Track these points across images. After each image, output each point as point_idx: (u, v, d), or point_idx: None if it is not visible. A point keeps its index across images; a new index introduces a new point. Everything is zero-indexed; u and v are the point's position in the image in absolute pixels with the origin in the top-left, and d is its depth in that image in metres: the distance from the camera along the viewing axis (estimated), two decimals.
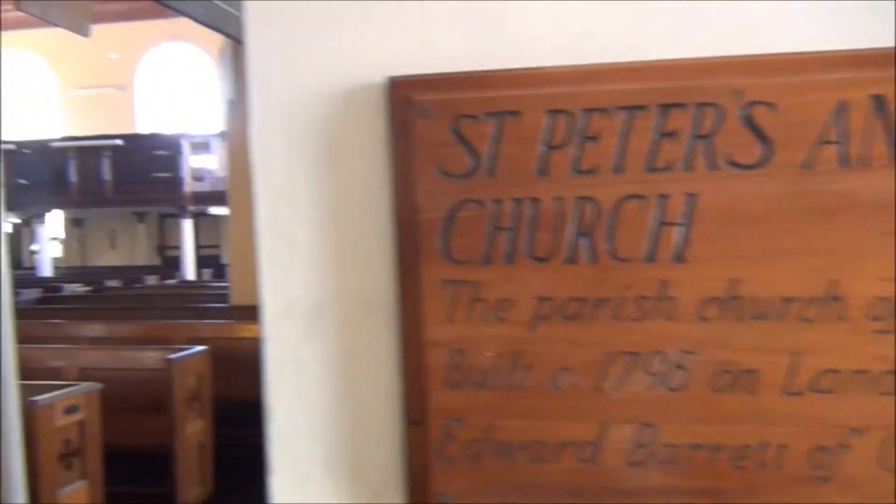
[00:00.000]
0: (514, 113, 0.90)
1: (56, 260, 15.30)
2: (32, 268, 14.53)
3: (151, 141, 14.47)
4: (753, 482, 0.88)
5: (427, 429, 0.93)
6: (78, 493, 3.70)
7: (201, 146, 14.22)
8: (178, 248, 15.12)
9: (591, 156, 0.89)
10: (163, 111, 17.05)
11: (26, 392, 3.36)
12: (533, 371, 0.91)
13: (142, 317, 7.28)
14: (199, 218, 14.98)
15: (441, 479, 0.93)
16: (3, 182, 3.25)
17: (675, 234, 0.88)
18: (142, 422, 4.72)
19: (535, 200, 0.90)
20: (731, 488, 0.89)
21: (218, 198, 13.20)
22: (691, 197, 0.88)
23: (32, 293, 9.74)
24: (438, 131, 0.91)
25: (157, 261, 16.75)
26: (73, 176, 14.10)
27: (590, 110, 0.89)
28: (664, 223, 0.88)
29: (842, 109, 0.85)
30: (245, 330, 6.05)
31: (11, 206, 3.31)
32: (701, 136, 0.87)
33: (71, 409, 3.72)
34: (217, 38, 8.15)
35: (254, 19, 0.99)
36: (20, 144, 13.50)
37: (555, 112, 0.89)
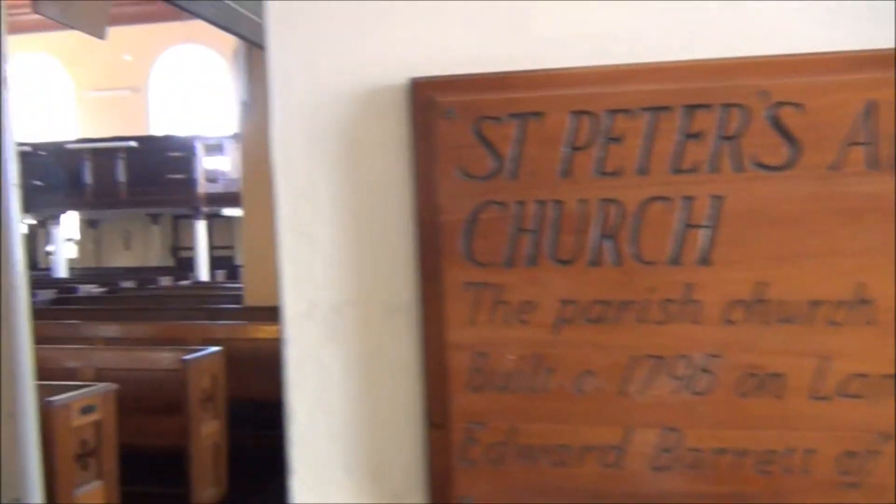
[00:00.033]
0: (537, 114, 0.89)
1: (71, 261, 15.41)
2: (48, 269, 14.64)
3: (166, 143, 14.55)
4: (780, 488, 0.87)
5: (449, 432, 0.93)
6: (94, 493, 3.72)
7: (215, 148, 14.28)
8: (191, 249, 15.19)
9: (615, 157, 0.88)
10: (177, 113, 17.15)
11: (43, 392, 3.39)
12: (556, 374, 0.90)
13: (156, 318, 7.31)
14: (213, 219, 15.05)
15: (463, 482, 0.93)
16: (19, 183, 3.27)
17: (701, 236, 0.87)
18: (157, 422, 4.74)
19: (559, 202, 0.89)
20: (756, 494, 0.88)
21: (231, 199, 13.25)
22: (717, 199, 0.87)
23: (48, 294, 9.81)
24: (461, 133, 0.91)
25: (170, 262, 16.83)
26: (88, 177, 14.20)
27: (614, 111, 0.88)
28: (689, 225, 0.87)
29: (870, 110, 0.84)
30: (259, 331, 6.07)
31: (27, 208, 3.34)
32: (727, 138, 0.86)
33: (87, 410, 3.74)
34: (230, 41, 8.19)
35: (275, 20, 0.99)
36: (36, 146, 13.60)
37: (578, 113, 0.89)
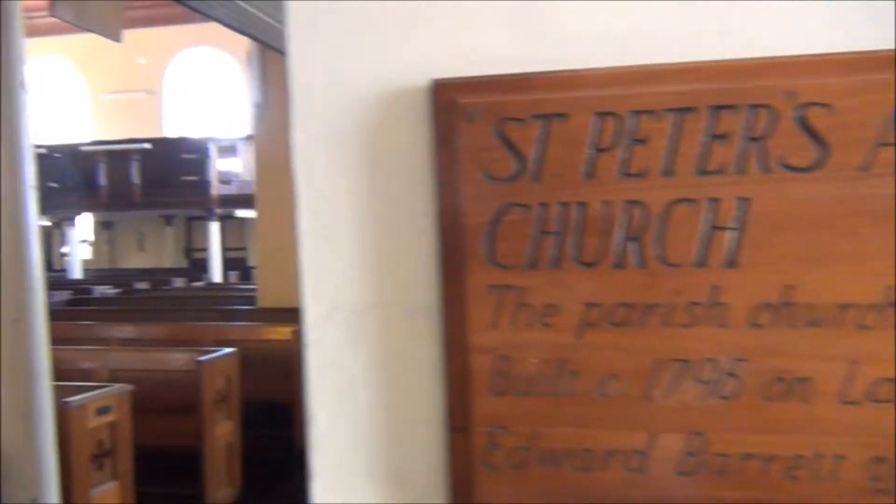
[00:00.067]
0: (560, 115, 0.88)
1: (85, 262, 15.51)
2: (63, 270, 14.74)
3: (179, 145, 14.63)
4: (808, 494, 0.86)
5: (471, 436, 0.92)
6: (109, 494, 3.74)
7: (228, 150, 14.35)
8: (204, 250, 15.26)
9: (639, 159, 0.87)
10: (190, 115, 17.24)
11: (58, 393, 3.40)
12: (580, 378, 0.89)
13: (170, 319, 7.34)
14: (226, 221, 15.12)
15: (485, 486, 0.92)
16: (36, 185, 3.29)
17: (727, 238, 0.86)
18: (171, 423, 4.76)
19: (583, 204, 0.88)
20: (784, 500, 0.87)
21: (244, 201, 13.31)
22: (744, 200, 0.85)
23: (63, 295, 9.87)
24: (483, 134, 0.90)
25: (184, 263, 16.91)
26: (102, 179, 14.29)
27: (638, 112, 0.87)
28: (716, 227, 0.86)
29: None
30: (272, 332, 6.08)
31: (42, 209, 3.37)
32: (753, 139, 0.85)
33: (103, 411, 3.76)
34: (243, 43, 8.22)
35: (295, 22, 0.99)
36: (51, 148, 13.70)
37: (603, 114, 0.88)
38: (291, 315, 6.57)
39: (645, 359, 0.88)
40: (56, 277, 13.54)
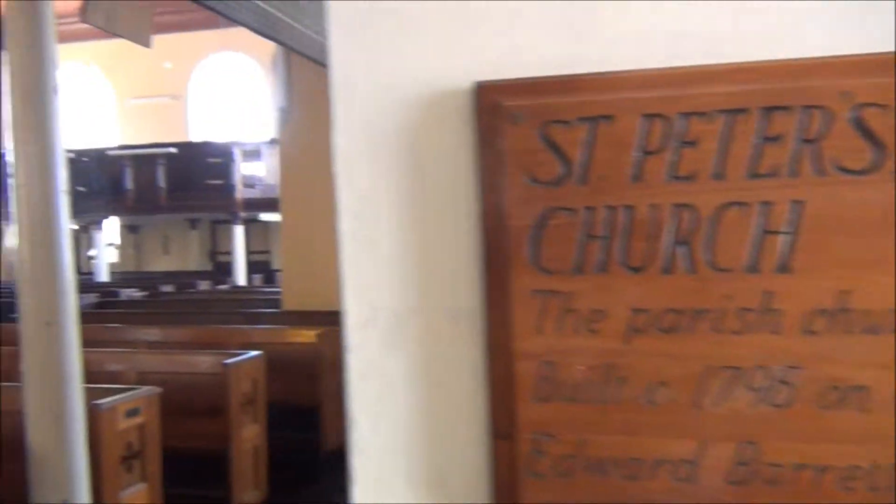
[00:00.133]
0: (607, 117, 0.87)
1: (112, 265, 15.70)
2: (90, 273, 14.93)
3: (204, 149, 14.77)
4: None
5: (515, 443, 0.91)
6: (138, 495, 3.77)
7: (252, 154, 14.46)
8: (229, 253, 15.38)
9: (689, 161, 0.85)
10: (215, 120, 17.39)
11: (88, 395, 3.44)
12: (627, 385, 0.87)
13: (196, 321, 7.41)
14: (250, 224, 15.22)
15: (530, 495, 0.90)
16: (67, 190, 3.33)
17: (780, 242, 0.84)
18: (197, 425, 4.79)
19: (630, 208, 0.87)
20: None
21: (268, 204, 13.41)
22: (797, 204, 0.83)
23: (90, 298, 9.99)
24: (528, 137, 0.89)
25: (208, 266, 17.06)
26: (129, 183, 14.46)
27: (688, 114, 0.85)
28: (768, 231, 0.84)
29: None
30: (297, 335, 6.11)
31: (71, 213, 3.41)
32: (807, 141, 0.83)
33: (132, 413, 3.79)
34: (267, 48, 8.28)
35: (337, 23, 0.99)
36: (79, 153, 13.89)
37: (650, 116, 0.86)
38: (316, 318, 6.61)
39: (694, 366, 0.86)
40: (83, 280, 13.69)
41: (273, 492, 5.17)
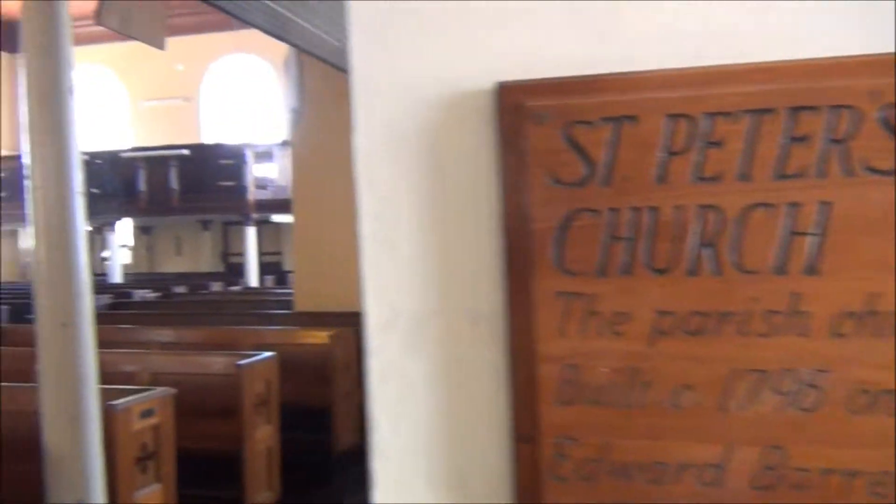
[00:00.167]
0: (631, 118, 0.86)
1: (125, 266, 15.78)
2: (103, 274, 15.00)
3: (216, 151, 14.83)
4: None
5: (538, 446, 0.90)
6: (153, 496, 3.78)
7: (264, 155, 14.50)
8: (241, 255, 15.43)
9: (714, 162, 0.84)
10: (227, 122, 17.46)
11: (103, 396, 3.45)
12: (652, 388, 0.86)
13: (209, 322, 7.43)
14: (262, 225, 15.27)
15: (553, 498, 0.89)
16: (83, 191, 3.34)
17: (808, 244, 0.83)
18: (211, 426, 4.81)
19: (655, 209, 0.86)
20: None
21: (279, 206, 13.44)
22: (825, 205, 0.82)
23: (104, 299, 10.05)
24: (551, 138, 0.88)
25: (220, 267, 17.12)
26: (142, 185, 14.53)
27: (713, 114, 0.84)
28: (795, 233, 0.83)
29: None
30: (310, 336, 6.12)
31: (85, 215, 3.43)
32: (835, 141, 0.82)
33: (146, 414, 3.81)
34: (279, 50, 8.31)
35: (357, 24, 0.98)
36: (93, 155, 13.96)
37: (675, 116, 0.85)
38: (329, 319, 6.62)
39: (720, 369, 0.85)
40: (97, 281, 13.76)
41: (285, 492, 5.17)
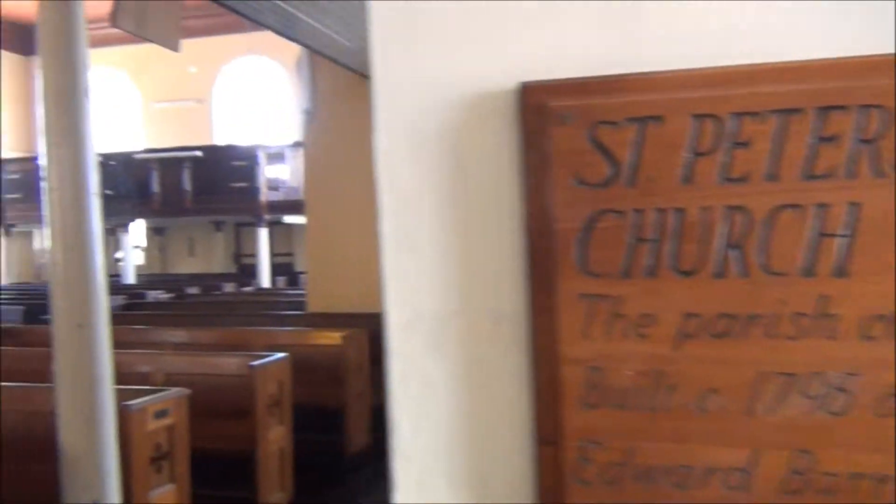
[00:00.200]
0: (656, 118, 0.85)
1: (138, 267, 15.87)
2: (117, 275, 15.08)
3: (229, 152, 14.88)
4: None
5: (561, 450, 0.89)
6: (167, 496, 3.79)
7: (276, 156, 14.54)
8: (253, 255, 15.48)
9: (741, 163, 0.83)
10: (239, 123, 17.53)
11: (117, 396, 3.47)
12: (678, 391, 0.85)
13: (221, 323, 7.45)
14: (274, 226, 15.31)
15: (576, 502, 0.89)
16: (98, 193, 3.36)
17: (837, 245, 0.81)
18: (224, 427, 4.82)
19: (680, 210, 0.85)
20: None
21: (291, 207, 13.48)
22: (854, 206, 0.81)
23: (117, 300, 10.10)
24: (575, 138, 0.87)
25: (233, 268, 17.18)
26: (155, 186, 14.60)
27: (740, 114, 0.83)
28: (824, 234, 0.82)
29: None
30: (322, 337, 6.13)
31: (100, 216, 3.45)
32: (865, 141, 0.81)
33: (160, 414, 3.82)
34: (292, 51, 8.33)
35: (379, 24, 0.98)
36: (106, 157, 14.03)
37: (701, 116, 0.84)
38: (341, 320, 6.62)
39: (747, 372, 0.84)
40: (111, 282, 13.83)
41: (298, 493, 5.18)
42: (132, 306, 9.82)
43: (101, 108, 16.91)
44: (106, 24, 4.75)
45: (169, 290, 11.81)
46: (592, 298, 0.87)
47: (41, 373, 3.99)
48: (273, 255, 15.60)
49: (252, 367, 4.82)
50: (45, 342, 3.60)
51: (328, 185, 7.66)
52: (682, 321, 0.85)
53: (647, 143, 0.85)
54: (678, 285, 0.85)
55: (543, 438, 0.91)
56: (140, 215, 15.11)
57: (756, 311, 0.83)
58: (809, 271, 0.82)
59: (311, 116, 7.97)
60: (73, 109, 3.20)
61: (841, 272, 0.81)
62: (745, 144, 0.83)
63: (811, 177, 0.82)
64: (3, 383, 4.11)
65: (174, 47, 4.88)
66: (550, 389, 0.90)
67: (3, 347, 5.89)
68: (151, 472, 3.68)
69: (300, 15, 5.89)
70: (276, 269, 15.39)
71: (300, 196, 10.00)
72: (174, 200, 14.54)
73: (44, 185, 3.28)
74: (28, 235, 17.36)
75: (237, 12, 5.38)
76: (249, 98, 17.55)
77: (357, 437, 5.93)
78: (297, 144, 12.28)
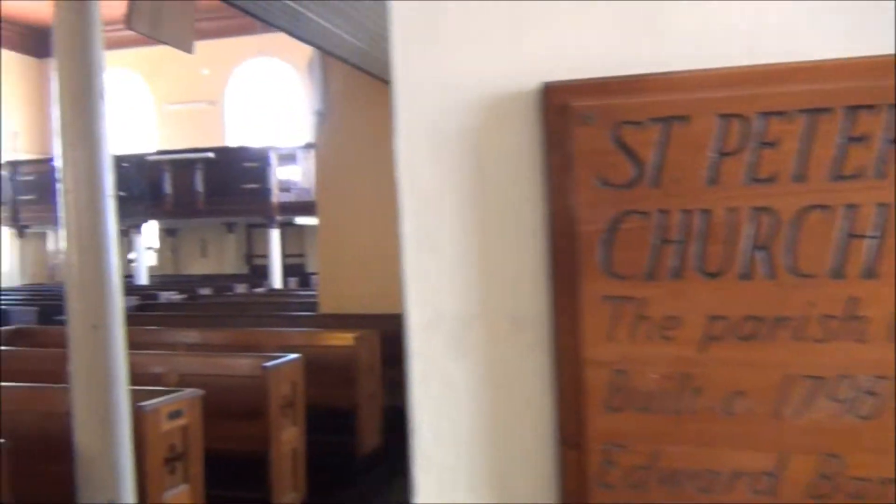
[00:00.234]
0: (681, 118, 0.84)
1: (151, 268, 15.94)
2: (130, 276, 15.16)
3: (241, 154, 14.93)
4: None
5: (585, 453, 0.88)
6: (181, 496, 3.80)
7: (287, 158, 14.58)
8: (265, 257, 15.52)
9: (768, 163, 0.82)
10: (251, 125, 17.59)
11: (132, 397, 3.48)
12: (703, 394, 0.84)
13: (234, 324, 7.47)
14: (285, 228, 15.35)
15: None
16: (114, 194, 3.38)
17: (866, 247, 0.80)
18: (237, 427, 4.83)
19: (706, 211, 0.84)
20: None
21: (303, 208, 13.51)
22: (884, 207, 0.80)
23: (130, 301, 10.14)
24: (598, 139, 0.87)
25: (245, 269, 17.24)
26: (167, 188, 14.67)
27: (767, 114, 0.82)
28: (853, 235, 0.81)
29: None
30: (334, 338, 6.13)
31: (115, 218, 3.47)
32: (894, 141, 0.80)
33: (174, 415, 3.83)
34: (304, 52, 8.34)
35: (399, 25, 0.97)
36: (119, 158, 14.08)
37: (727, 116, 0.83)
38: (353, 321, 6.63)
39: (774, 375, 0.83)
40: (124, 283, 13.90)
41: (311, 494, 5.18)
42: (145, 307, 9.86)
43: (114, 109, 17.03)
44: (120, 26, 4.78)
45: (181, 291, 11.86)
46: (617, 300, 0.87)
47: (56, 373, 4.02)
48: (284, 256, 15.64)
49: (265, 367, 4.82)
50: (60, 343, 3.62)
51: (340, 186, 7.67)
52: (708, 323, 0.84)
53: (672, 143, 0.85)
54: (704, 287, 0.84)
55: (566, 441, 0.90)
56: (153, 217, 15.18)
57: (783, 313, 0.82)
58: (838, 273, 0.81)
59: (323, 118, 7.98)
60: (88, 111, 3.21)
61: (870, 274, 0.80)
62: (772, 144, 0.82)
63: (840, 177, 0.81)
64: (19, 384, 4.14)
65: (188, 49, 4.90)
66: (573, 392, 0.89)
67: (18, 348, 5.93)
68: (165, 473, 3.70)
69: (311, 16, 5.90)
70: (288, 270, 15.43)
71: (312, 197, 10.03)
72: (186, 202, 14.60)
73: (59, 186, 3.29)
74: (42, 237, 17.49)
75: (249, 13, 5.39)
76: (261, 100, 17.61)
77: (369, 439, 5.94)
78: (308, 146, 12.31)
